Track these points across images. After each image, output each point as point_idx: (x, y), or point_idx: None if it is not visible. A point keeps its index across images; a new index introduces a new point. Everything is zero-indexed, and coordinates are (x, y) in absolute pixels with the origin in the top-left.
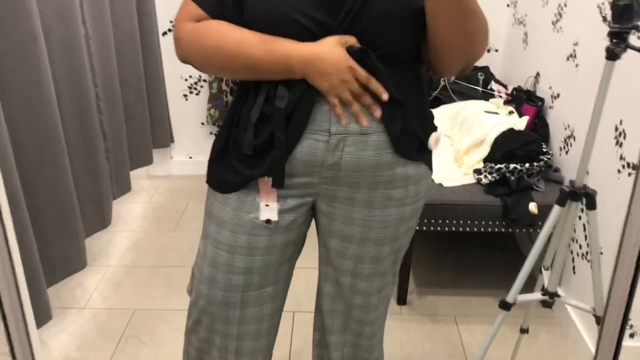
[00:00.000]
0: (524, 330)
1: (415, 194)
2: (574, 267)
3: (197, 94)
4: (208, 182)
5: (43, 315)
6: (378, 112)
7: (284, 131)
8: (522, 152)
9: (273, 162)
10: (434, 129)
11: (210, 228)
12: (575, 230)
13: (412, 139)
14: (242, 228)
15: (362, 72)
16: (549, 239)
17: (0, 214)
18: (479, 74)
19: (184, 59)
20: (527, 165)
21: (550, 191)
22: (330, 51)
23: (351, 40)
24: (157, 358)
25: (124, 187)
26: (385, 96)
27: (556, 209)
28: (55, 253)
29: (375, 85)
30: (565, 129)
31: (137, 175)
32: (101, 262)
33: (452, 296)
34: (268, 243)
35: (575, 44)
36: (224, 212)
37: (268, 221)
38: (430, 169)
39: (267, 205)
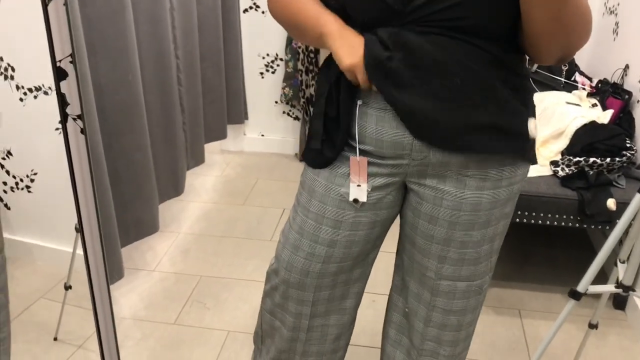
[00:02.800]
0: (592, 326)
1: (510, 175)
2: None
3: (272, 72)
4: (303, 159)
5: (116, 273)
6: None
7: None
8: (604, 147)
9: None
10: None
11: (302, 196)
12: None
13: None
14: (331, 200)
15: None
16: (626, 231)
17: (91, 177)
18: (563, 64)
19: (270, 12)
20: (607, 160)
21: (632, 189)
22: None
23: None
24: (220, 323)
25: (198, 159)
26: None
27: (637, 197)
28: (130, 215)
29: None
30: None
31: (211, 149)
32: (172, 229)
33: (518, 289)
34: (354, 219)
35: None
36: (316, 183)
37: (355, 201)
38: (528, 157)
39: (358, 186)
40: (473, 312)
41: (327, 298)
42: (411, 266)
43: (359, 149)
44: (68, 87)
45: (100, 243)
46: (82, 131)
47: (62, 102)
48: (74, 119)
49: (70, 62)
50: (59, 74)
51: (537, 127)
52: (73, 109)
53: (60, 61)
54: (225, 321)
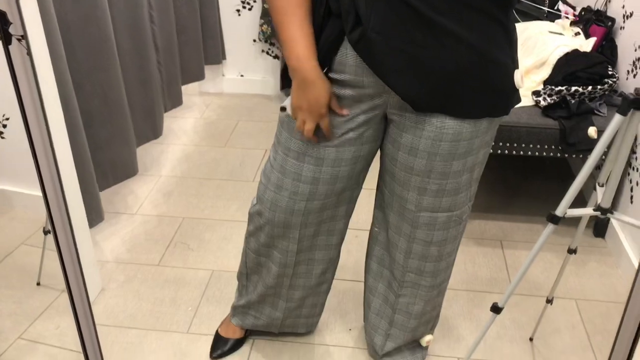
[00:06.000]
0: (571, 251)
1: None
2: (631, 197)
3: (249, 9)
4: (282, 88)
5: (95, 216)
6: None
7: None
8: (586, 75)
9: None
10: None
11: (282, 135)
12: (636, 157)
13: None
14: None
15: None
16: (605, 154)
17: (44, 112)
18: None
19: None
20: (589, 88)
21: (613, 116)
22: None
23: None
24: (203, 264)
25: (175, 100)
26: (345, 112)
27: (617, 118)
28: (107, 157)
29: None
30: (636, 50)
31: (190, 92)
32: (153, 172)
33: (500, 221)
34: (336, 155)
35: None
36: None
37: (283, 109)
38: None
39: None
40: (453, 242)
41: (313, 234)
42: (391, 199)
43: (337, 78)
44: (8, 5)
45: (60, 185)
46: (28, 53)
47: (3, 20)
48: (19, 40)
49: None
50: None
51: (523, 78)
52: (16, 29)
53: None
54: (209, 261)
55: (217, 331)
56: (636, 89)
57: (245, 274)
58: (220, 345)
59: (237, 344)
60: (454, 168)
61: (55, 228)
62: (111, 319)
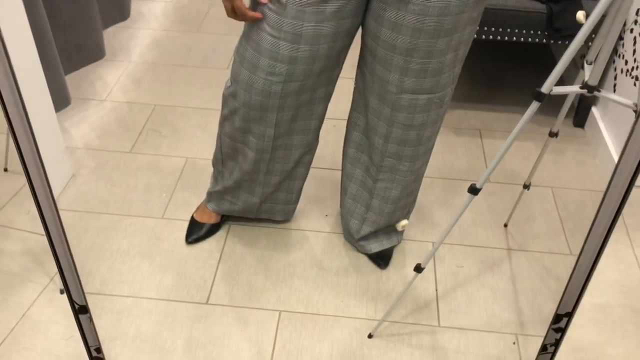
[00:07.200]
0: (553, 134)
1: None
2: (614, 86)
3: None
4: None
5: (62, 100)
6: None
7: None
8: None
9: None
10: None
11: (256, 11)
12: (623, 44)
13: None
14: (288, 10)
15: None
16: (595, 32)
17: None
18: None
19: None
20: None
21: None
22: None
23: None
24: (177, 151)
25: None
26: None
27: None
28: (71, 40)
29: None
30: None
31: None
32: (122, 57)
33: (480, 111)
34: (315, 31)
35: None
36: None
37: None
38: None
39: None
40: (433, 126)
41: (290, 118)
42: (372, 81)
43: None
44: None
45: (10, 66)
46: None
47: None
48: None
49: None
50: None
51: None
52: None
53: None
54: (183, 148)
55: (192, 216)
56: None
57: (221, 160)
58: (196, 230)
59: (213, 229)
60: (438, 46)
61: (7, 111)
62: (83, 204)
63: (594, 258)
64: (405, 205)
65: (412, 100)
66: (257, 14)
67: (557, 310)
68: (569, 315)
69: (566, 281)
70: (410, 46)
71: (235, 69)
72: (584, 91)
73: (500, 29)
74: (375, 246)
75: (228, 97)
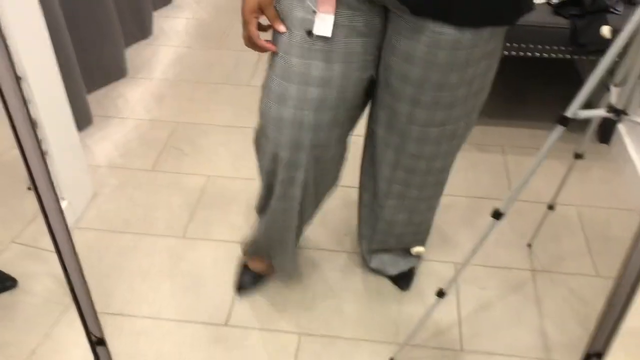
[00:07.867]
0: (578, 156)
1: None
2: None
3: None
4: None
5: (83, 119)
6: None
7: None
8: None
9: None
10: None
11: (280, 35)
12: None
13: None
14: (304, 23)
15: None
16: (625, 52)
17: None
18: None
19: None
20: None
21: (629, 15)
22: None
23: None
24: (198, 169)
25: None
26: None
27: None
28: (93, 59)
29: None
30: None
31: None
32: (144, 75)
33: (503, 127)
34: (345, 47)
35: None
36: (294, 9)
37: (310, 33)
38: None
39: (321, 14)
40: (444, 158)
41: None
42: (381, 112)
43: None
44: None
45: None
46: None
47: None
48: None
49: None
50: None
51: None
52: None
53: None
54: (205, 166)
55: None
56: None
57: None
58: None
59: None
60: (450, 80)
61: (18, 134)
62: (105, 223)
63: (632, 287)
64: (417, 232)
65: (422, 132)
66: (270, 46)
67: (587, 349)
68: (600, 356)
69: (592, 303)
70: (422, 77)
71: (264, 105)
72: (611, 115)
73: (523, 45)
74: (392, 268)
75: (260, 139)
